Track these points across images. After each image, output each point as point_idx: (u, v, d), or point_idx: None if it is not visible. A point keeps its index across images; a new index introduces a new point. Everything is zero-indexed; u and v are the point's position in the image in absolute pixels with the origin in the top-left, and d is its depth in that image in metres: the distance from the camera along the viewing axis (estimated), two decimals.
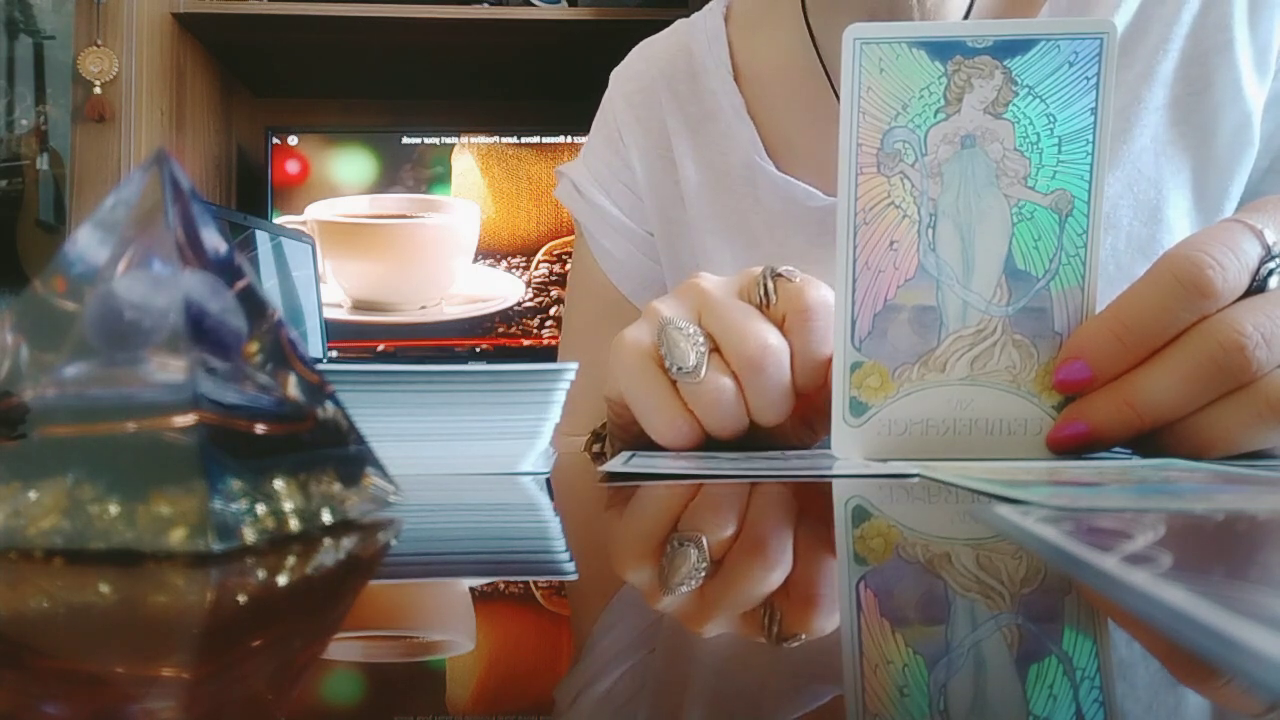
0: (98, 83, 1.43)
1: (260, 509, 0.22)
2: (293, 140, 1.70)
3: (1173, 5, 0.56)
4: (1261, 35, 0.55)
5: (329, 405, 0.26)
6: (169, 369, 0.21)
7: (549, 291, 1.72)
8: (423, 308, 1.69)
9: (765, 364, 0.42)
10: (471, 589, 0.20)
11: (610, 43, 1.62)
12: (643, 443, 0.46)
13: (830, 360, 0.43)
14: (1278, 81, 0.56)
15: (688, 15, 0.71)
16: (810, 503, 0.32)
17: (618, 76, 0.73)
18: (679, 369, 0.43)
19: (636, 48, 0.74)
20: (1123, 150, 0.57)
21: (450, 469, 0.37)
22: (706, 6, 0.72)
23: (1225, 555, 0.21)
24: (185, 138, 1.62)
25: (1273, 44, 0.55)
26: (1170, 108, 0.57)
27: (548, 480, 0.37)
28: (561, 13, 1.58)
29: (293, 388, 0.24)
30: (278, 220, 1.64)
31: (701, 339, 0.44)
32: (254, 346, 0.24)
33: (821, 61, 0.65)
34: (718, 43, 0.68)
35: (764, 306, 0.44)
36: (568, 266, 1.74)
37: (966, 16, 0.60)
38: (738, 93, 0.66)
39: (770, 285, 0.45)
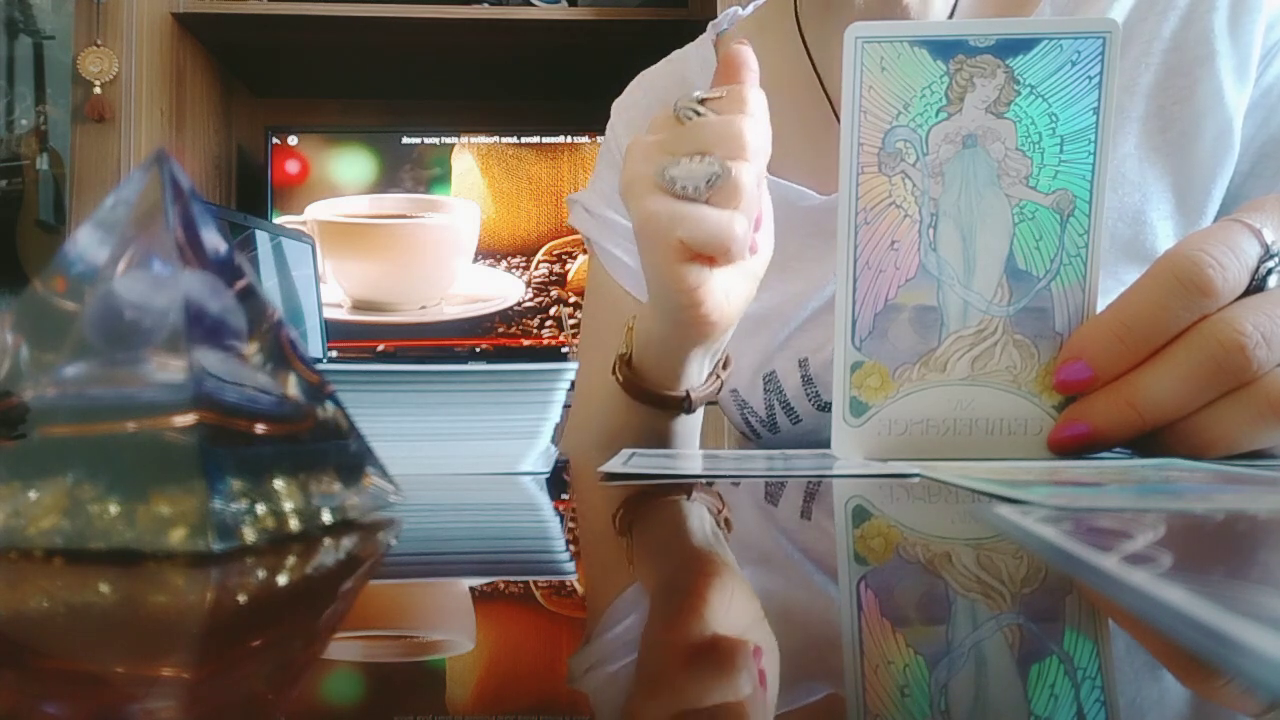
0: (98, 83, 1.43)
1: (260, 509, 0.22)
2: (293, 140, 1.70)
3: (1154, 20, 0.57)
4: (1242, 45, 0.56)
5: (329, 405, 0.26)
6: (169, 369, 0.21)
7: (549, 291, 1.72)
8: (423, 308, 1.69)
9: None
10: (471, 589, 0.20)
11: (610, 43, 1.63)
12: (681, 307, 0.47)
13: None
14: (1257, 89, 0.56)
15: (687, 15, 0.72)
16: (810, 502, 0.32)
17: (617, 106, 0.76)
18: (698, 185, 0.45)
19: (635, 79, 0.76)
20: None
21: (450, 469, 0.37)
22: (700, 38, 0.73)
23: (1225, 555, 0.21)
24: (185, 138, 1.62)
25: (1252, 53, 0.56)
26: (1153, 117, 0.58)
27: (548, 480, 0.37)
28: (561, 13, 1.58)
29: (293, 388, 0.24)
30: (278, 220, 1.64)
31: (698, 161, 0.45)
32: (254, 346, 0.24)
33: (815, 69, 0.66)
34: (709, 69, 0.70)
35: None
36: (568, 267, 1.74)
37: (951, 16, 0.60)
38: None
39: (696, 109, 0.46)
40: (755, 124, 0.45)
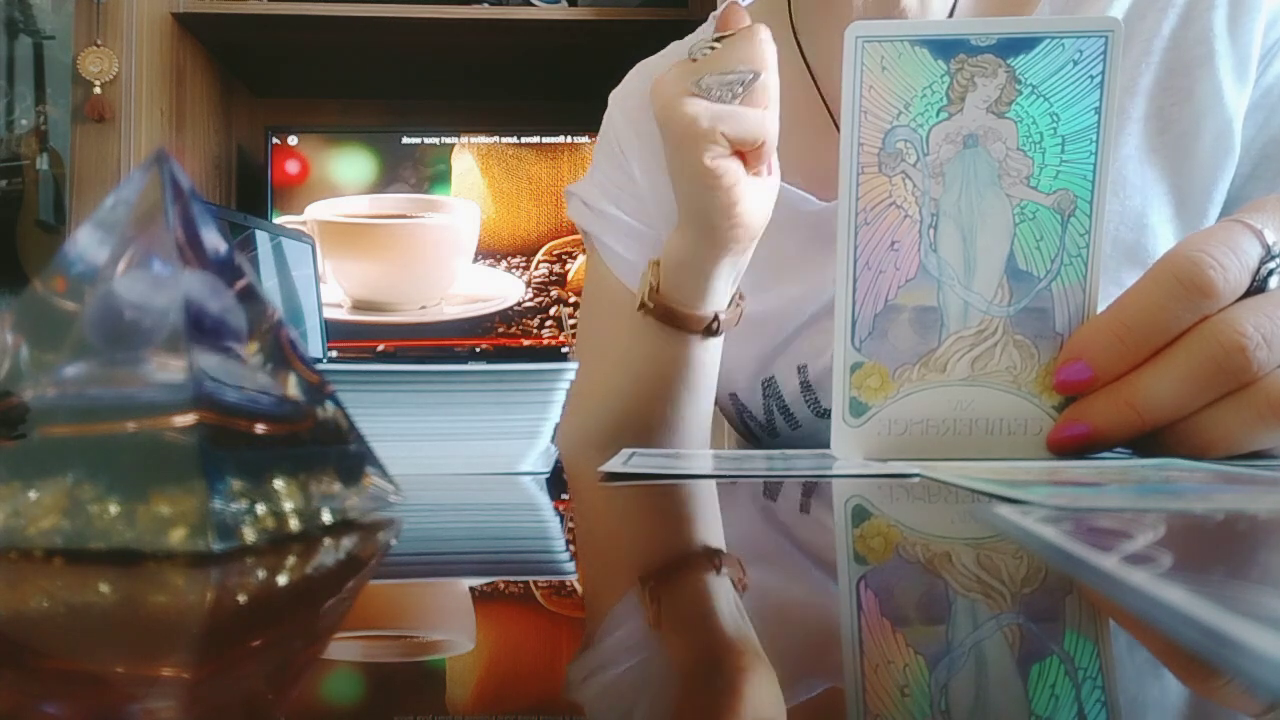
0: (98, 83, 1.43)
1: (260, 509, 0.22)
2: (293, 140, 1.70)
3: (1153, 19, 0.57)
4: (1241, 45, 0.55)
5: (329, 405, 0.26)
6: (169, 369, 0.21)
7: (549, 291, 1.72)
8: (423, 308, 1.69)
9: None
10: (471, 589, 0.20)
11: (610, 43, 1.62)
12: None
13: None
14: (1257, 89, 0.56)
15: (687, 15, 0.71)
16: (810, 502, 0.32)
17: (616, 96, 0.75)
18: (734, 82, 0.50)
19: (634, 69, 0.76)
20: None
21: (450, 469, 0.37)
22: (700, 27, 0.73)
23: (1225, 555, 0.21)
24: (185, 138, 1.62)
25: (1252, 52, 0.55)
26: (1153, 118, 0.57)
27: (548, 480, 0.37)
28: (561, 13, 1.58)
29: (293, 388, 0.24)
30: (278, 220, 1.64)
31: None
32: (254, 346, 0.24)
33: (810, 71, 0.65)
34: None
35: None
36: (568, 267, 1.74)
37: (950, 16, 0.60)
38: None
39: (712, 46, 0.51)
40: (770, 44, 0.50)
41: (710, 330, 0.57)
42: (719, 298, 0.57)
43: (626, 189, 0.71)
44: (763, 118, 0.50)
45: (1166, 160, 0.57)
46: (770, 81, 0.50)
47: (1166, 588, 0.15)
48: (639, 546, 0.25)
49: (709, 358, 0.60)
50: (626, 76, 0.75)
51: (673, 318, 0.57)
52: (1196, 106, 0.56)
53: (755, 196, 0.52)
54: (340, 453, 0.26)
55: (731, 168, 0.50)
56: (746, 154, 0.51)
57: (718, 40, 0.51)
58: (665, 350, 0.58)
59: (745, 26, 0.51)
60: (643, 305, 0.57)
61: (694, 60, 0.52)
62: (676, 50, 0.74)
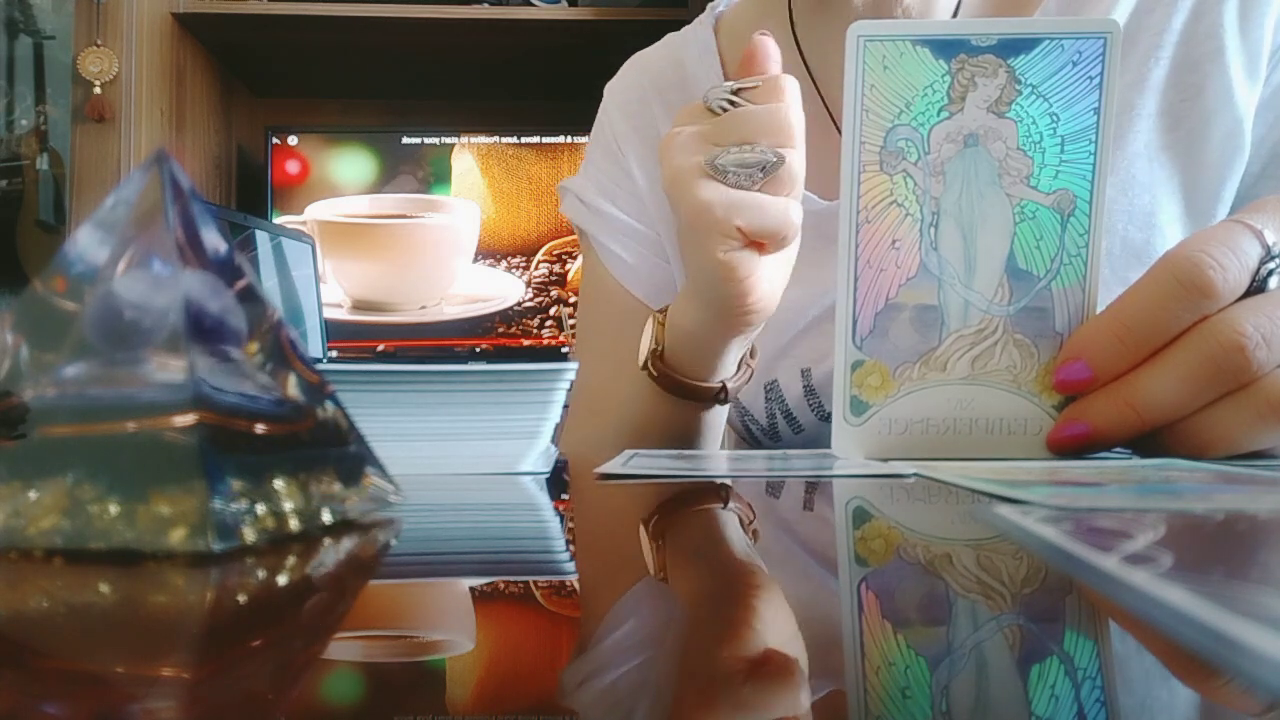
0: (98, 83, 1.43)
1: (260, 509, 0.21)
2: (293, 140, 1.70)
3: (1162, 13, 0.56)
4: (1252, 41, 0.55)
5: (329, 405, 0.26)
6: (169, 369, 0.21)
7: (549, 291, 1.72)
8: (423, 308, 1.69)
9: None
10: (471, 589, 0.20)
11: (610, 43, 1.62)
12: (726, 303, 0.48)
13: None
14: (1268, 87, 0.55)
15: (687, 15, 0.71)
16: (810, 503, 0.32)
17: (612, 89, 0.73)
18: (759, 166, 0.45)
19: (629, 61, 0.74)
20: (1117, 156, 0.56)
21: (450, 469, 0.37)
22: (697, 19, 0.72)
23: (1225, 555, 0.21)
24: (185, 138, 1.62)
25: (1263, 49, 0.55)
26: (1162, 115, 0.57)
27: (548, 480, 0.37)
28: (561, 13, 1.58)
29: (293, 388, 0.24)
30: (278, 220, 1.64)
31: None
32: (254, 346, 0.24)
33: (808, 69, 0.65)
34: (708, 53, 0.68)
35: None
36: (568, 266, 1.74)
37: (955, 16, 0.60)
38: None
39: (732, 100, 0.46)
40: (798, 111, 0.46)
41: (717, 399, 0.54)
42: (728, 368, 0.54)
43: (623, 186, 0.70)
44: (786, 209, 0.45)
45: (1176, 158, 0.57)
46: (796, 164, 0.45)
47: (1166, 588, 0.15)
48: (638, 547, 0.25)
49: (715, 419, 0.57)
50: (621, 69, 0.74)
51: (678, 388, 0.54)
52: (1207, 103, 0.55)
53: (771, 278, 0.48)
54: (340, 453, 0.26)
55: (745, 260, 0.46)
56: (771, 241, 0.47)
57: (737, 93, 0.46)
58: (669, 413, 0.56)
59: (770, 77, 0.46)
60: (645, 367, 0.54)
61: (710, 110, 0.47)
62: (675, 42, 0.73)
